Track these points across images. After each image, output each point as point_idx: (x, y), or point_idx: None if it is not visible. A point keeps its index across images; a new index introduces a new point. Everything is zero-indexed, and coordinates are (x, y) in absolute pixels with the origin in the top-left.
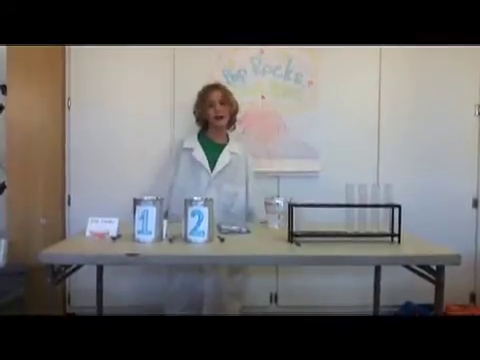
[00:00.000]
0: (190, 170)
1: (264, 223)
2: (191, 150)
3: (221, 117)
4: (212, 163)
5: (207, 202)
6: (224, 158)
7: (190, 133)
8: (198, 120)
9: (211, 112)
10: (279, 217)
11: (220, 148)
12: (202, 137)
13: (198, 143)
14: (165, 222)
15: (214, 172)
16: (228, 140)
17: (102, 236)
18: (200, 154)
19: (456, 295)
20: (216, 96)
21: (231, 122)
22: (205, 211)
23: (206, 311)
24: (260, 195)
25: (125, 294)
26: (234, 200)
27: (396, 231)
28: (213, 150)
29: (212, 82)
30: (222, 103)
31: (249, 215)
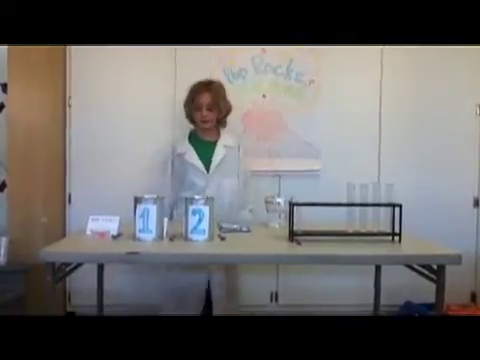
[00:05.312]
0: (186, 174)
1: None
2: (183, 154)
3: (206, 122)
4: (207, 162)
5: (208, 201)
6: (218, 154)
7: (184, 136)
8: (187, 116)
9: (198, 115)
10: (280, 216)
11: (212, 145)
12: (193, 137)
13: (190, 146)
14: (166, 221)
15: (210, 171)
16: (219, 135)
17: (103, 235)
18: (193, 156)
19: (457, 295)
20: (205, 99)
21: (220, 123)
22: (206, 210)
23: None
24: (252, 191)
25: (125, 293)
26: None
27: (397, 230)
28: (206, 148)
29: (209, 79)
30: (209, 109)
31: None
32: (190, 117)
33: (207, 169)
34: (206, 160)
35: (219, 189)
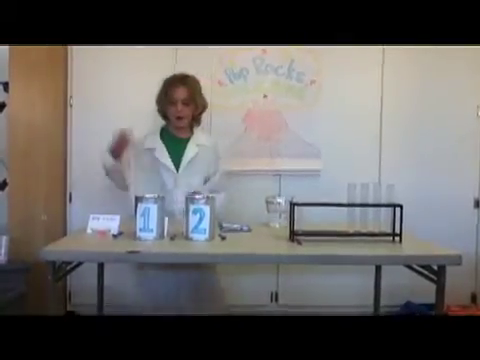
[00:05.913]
0: (153, 171)
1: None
2: (153, 150)
3: (181, 118)
4: (177, 160)
5: (209, 200)
6: (189, 152)
7: (153, 131)
8: (159, 112)
9: (172, 110)
10: (280, 216)
11: (184, 143)
12: (165, 133)
13: (160, 141)
14: (166, 220)
15: (180, 169)
16: (192, 132)
17: (103, 233)
18: (163, 154)
19: (457, 295)
20: (180, 94)
21: (194, 120)
22: (207, 209)
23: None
24: (226, 194)
25: (126, 292)
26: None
27: (397, 231)
28: (177, 146)
29: (184, 73)
30: (185, 103)
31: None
32: (162, 113)
33: (177, 168)
34: (176, 158)
35: (188, 189)
